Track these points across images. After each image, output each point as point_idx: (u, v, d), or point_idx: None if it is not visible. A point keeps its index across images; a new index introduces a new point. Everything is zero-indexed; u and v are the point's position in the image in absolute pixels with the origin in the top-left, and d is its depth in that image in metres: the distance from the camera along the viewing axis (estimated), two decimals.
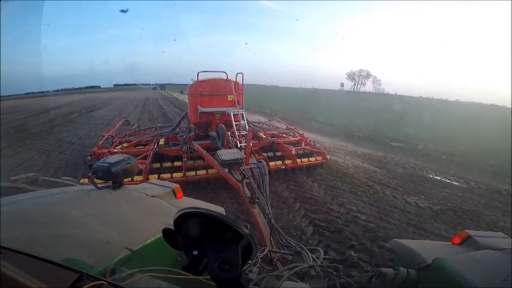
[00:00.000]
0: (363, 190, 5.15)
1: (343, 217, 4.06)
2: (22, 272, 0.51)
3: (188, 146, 5.47)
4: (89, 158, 5.28)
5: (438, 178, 6.49)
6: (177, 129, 7.01)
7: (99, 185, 1.33)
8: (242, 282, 0.48)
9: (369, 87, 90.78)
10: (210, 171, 4.90)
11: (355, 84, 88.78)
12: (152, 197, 1.32)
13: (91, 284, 0.56)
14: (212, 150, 5.26)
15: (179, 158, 5.25)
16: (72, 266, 0.61)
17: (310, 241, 3.44)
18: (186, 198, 1.55)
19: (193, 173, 4.92)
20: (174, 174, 4.77)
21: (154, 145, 5.77)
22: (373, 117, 16.82)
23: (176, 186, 1.52)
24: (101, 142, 5.91)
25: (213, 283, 0.49)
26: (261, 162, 3.06)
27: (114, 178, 1.32)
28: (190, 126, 6.44)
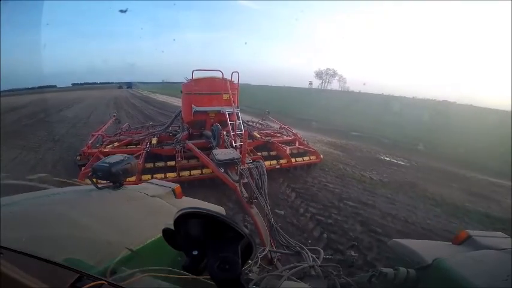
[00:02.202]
0: (329, 167, 6.40)
1: (316, 186, 5.28)
2: (22, 272, 0.51)
3: (182, 145, 5.35)
4: (78, 158, 5.18)
5: (388, 159, 8.02)
6: (170, 128, 6.93)
7: (99, 185, 1.32)
8: (242, 282, 0.49)
9: (335, 85, 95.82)
10: (204, 171, 4.86)
11: (322, 83, 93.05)
12: (152, 197, 1.32)
13: (91, 284, 0.56)
14: (207, 149, 5.22)
15: (172, 158, 5.14)
16: (73, 266, 0.61)
17: (295, 202, 4.54)
18: (186, 198, 1.55)
19: (187, 172, 4.84)
20: (168, 174, 4.69)
21: (146, 144, 5.64)
22: (337, 112, 18.77)
23: (176, 186, 1.53)
24: (90, 141, 5.73)
25: (213, 283, 0.49)
26: (259, 162, 2.96)
27: (114, 178, 1.32)
28: (184, 125, 6.33)
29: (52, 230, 0.89)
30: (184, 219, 0.51)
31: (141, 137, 6.43)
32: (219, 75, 5.86)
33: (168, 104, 21.42)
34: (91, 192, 1.27)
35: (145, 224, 1.06)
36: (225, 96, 5.73)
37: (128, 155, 1.47)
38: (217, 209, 1.48)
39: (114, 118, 8.10)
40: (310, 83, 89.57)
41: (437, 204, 4.84)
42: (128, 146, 6.08)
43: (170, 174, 4.71)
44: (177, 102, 22.15)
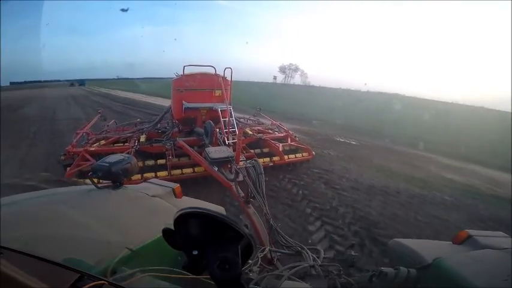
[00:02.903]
0: None
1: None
2: (22, 272, 0.50)
3: (172, 142, 5.20)
4: (62, 157, 4.92)
5: (342, 140, 9.96)
6: (159, 125, 6.72)
7: (99, 185, 1.32)
8: (242, 282, 0.49)
9: (297, 80, 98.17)
10: (197, 169, 4.75)
11: (285, 77, 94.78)
12: (152, 196, 1.33)
13: (92, 284, 0.56)
14: (198, 147, 5.12)
15: (162, 156, 4.99)
16: (73, 266, 0.61)
17: (274, 173, 5.51)
18: (186, 198, 1.56)
19: (179, 171, 4.72)
20: (159, 173, 4.56)
21: (134, 142, 5.44)
22: (300, 103, 20.79)
23: (176, 185, 1.53)
24: (75, 140, 5.47)
25: (213, 283, 0.49)
26: (255, 160, 2.92)
27: (114, 178, 1.32)
28: (174, 122, 6.16)
29: (52, 230, 0.89)
30: (184, 219, 0.51)
31: (128, 135, 6.21)
32: (212, 71, 5.75)
33: (132, 100, 20.99)
34: (91, 192, 1.27)
35: (145, 223, 1.06)
36: (217, 93, 5.64)
37: (127, 155, 1.47)
38: (217, 208, 1.48)
39: (99, 115, 7.67)
40: (275, 77, 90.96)
41: (378, 170, 6.47)
42: (115, 144, 5.84)
43: (161, 173, 4.59)
44: (142, 98, 22.04)
